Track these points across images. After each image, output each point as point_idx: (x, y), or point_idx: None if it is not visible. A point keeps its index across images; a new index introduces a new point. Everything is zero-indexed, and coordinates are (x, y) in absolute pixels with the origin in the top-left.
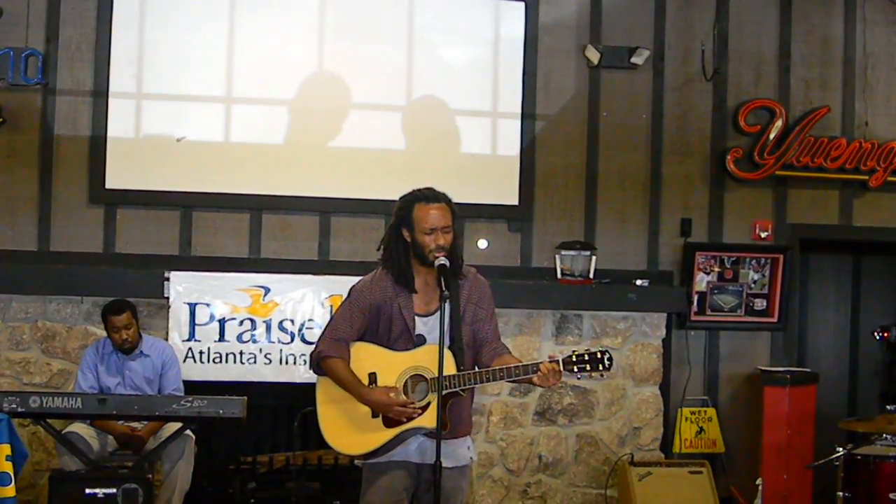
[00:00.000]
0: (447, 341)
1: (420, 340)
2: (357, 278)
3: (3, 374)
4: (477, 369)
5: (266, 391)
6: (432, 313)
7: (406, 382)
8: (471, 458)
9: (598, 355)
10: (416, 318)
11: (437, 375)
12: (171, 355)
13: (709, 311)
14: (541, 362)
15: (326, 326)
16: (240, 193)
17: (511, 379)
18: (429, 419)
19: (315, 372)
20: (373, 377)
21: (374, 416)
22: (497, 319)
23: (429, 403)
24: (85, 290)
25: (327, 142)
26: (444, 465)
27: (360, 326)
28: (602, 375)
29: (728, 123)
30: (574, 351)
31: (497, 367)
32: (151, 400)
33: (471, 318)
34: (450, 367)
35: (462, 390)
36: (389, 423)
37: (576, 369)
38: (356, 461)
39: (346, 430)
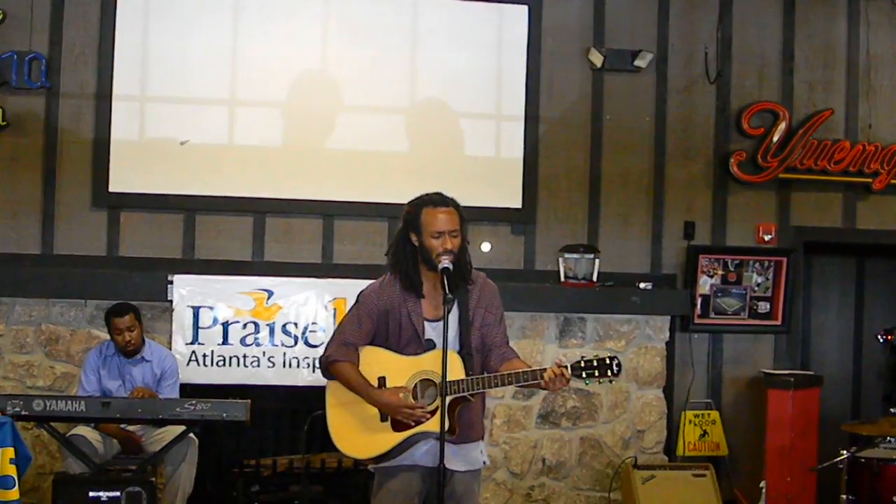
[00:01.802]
0: (456, 347)
1: (430, 345)
2: (360, 281)
3: (6, 378)
4: (485, 374)
5: (269, 394)
6: (441, 318)
7: (416, 387)
8: (484, 462)
9: (607, 361)
10: (426, 322)
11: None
12: (171, 365)
13: (712, 314)
14: (549, 368)
15: (335, 331)
16: (243, 196)
17: (519, 384)
18: (438, 424)
19: (324, 376)
20: (382, 381)
21: (383, 419)
22: (506, 324)
23: (438, 408)
24: (88, 294)
25: (330, 144)
26: (456, 468)
27: (368, 331)
28: (611, 382)
29: (731, 126)
30: (583, 357)
31: (505, 372)
32: (155, 403)
33: (480, 322)
34: (458, 372)
35: (471, 395)
36: (398, 426)
37: (584, 375)
38: (368, 465)
39: (356, 434)
